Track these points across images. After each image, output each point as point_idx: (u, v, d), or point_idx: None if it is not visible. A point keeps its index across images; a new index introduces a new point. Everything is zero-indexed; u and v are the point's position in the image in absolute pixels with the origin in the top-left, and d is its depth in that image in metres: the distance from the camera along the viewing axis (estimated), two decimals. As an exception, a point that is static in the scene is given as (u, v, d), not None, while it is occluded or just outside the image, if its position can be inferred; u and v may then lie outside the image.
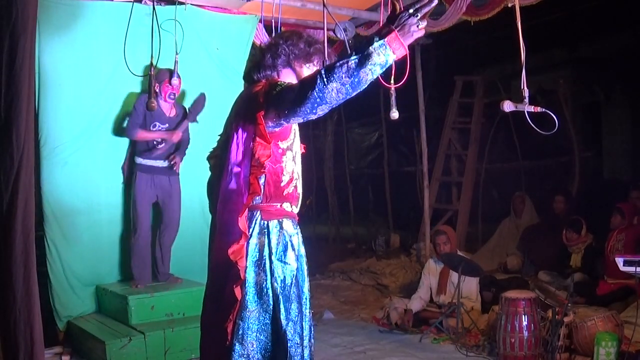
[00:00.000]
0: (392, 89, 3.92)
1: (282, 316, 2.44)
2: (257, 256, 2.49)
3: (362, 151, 12.28)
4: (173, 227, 5.07)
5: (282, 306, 2.45)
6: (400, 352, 4.65)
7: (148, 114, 4.89)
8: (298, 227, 2.67)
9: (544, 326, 4.28)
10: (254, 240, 2.50)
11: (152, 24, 4.44)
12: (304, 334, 2.52)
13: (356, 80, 2.16)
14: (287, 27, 5.72)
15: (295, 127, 2.63)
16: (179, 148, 5.10)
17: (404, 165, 10.39)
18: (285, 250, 2.54)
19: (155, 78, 4.62)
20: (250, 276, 2.47)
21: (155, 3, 4.61)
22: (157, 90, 4.79)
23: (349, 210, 10.78)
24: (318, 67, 2.67)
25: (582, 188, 7.71)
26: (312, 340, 2.62)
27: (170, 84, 4.81)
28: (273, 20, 3.90)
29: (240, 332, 2.44)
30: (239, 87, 5.70)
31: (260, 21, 5.40)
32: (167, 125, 4.97)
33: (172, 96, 4.88)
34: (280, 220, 2.57)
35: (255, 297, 2.46)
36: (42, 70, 4.65)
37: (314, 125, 11.34)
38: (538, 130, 3.30)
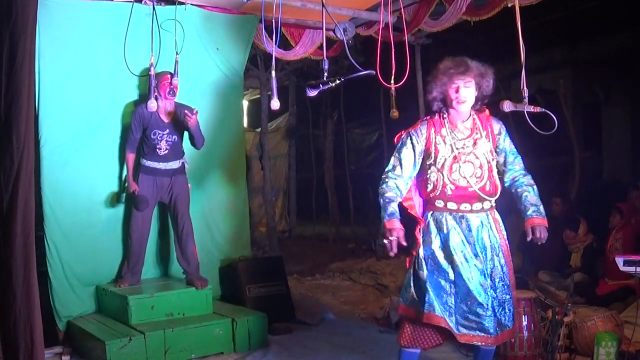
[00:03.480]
0: (392, 89, 3.92)
1: None
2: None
3: (362, 151, 12.28)
4: (178, 225, 5.05)
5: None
6: (400, 352, 4.64)
7: (147, 124, 4.90)
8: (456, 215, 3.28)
9: (544, 326, 4.28)
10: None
11: (152, 24, 4.44)
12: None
13: None
14: (287, 27, 5.73)
15: (439, 147, 3.27)
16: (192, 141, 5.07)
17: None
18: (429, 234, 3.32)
19: (155, 79, 4.61)
20: None
21: (155, 3, 4.60)
22: (157, 93, 4.77)
23: (349, 210, 10.78)
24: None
25: (582, 188, 7.71)
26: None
27: (171, 83, 4.80)
28: (273, 20, 3.89)
29: None
30: (239, 87, 5.73)
31: (260, 21, 5.39)
32: (167, 130, 4.97)
33: (172, 93, 4.87)
34: (432, 212, 3.34)
35: None
36: (42, 70, 4.64)
37: (314, 125, 11.35)
38: (538, 130, 3.30)
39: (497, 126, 3.33)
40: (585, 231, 6.00)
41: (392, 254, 3.20)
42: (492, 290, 3.24)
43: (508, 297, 3.28)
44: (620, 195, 6.04)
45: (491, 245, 3.27)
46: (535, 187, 3.26)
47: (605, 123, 8.51)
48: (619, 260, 3.63)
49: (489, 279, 3.25)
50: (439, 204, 3.30)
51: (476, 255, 3.24)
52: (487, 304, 3.21)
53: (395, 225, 3.24)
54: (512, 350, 4.18)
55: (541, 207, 3.21)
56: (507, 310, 3.27)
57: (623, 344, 4.07)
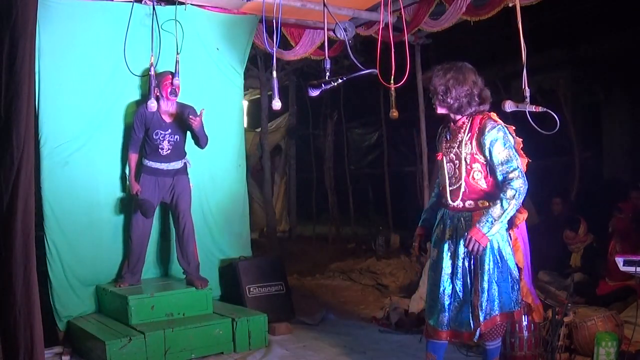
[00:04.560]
0: (392, 89, 3.92)
1: None
2: None
3: (362, 151, 12.28)
4: (180, 225, 5.04)
5: None
6: (400, 352, 4.65)
7: (149, 124, 4.90)
8: (446, 211, 3.44)
9: (544, 326, 4.28)
10: None
11: (152, 24, 4.44)
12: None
13: None
14: (287, 27, 5.73)
15: (438, 147, 3.51)
16: (197, 142, 5.09)
17: (404, 165, 10.38)
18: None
19: (155, 79, 4.61)
20: None
21: (155, 3, 4.61)
22: (158, 93, 4.78)
23: (349, 210, 10.78)
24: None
25: (582, 188, 7.71)
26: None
27: (172, 83, 4.80)
28: (274, 20, 3.90)
29: None
30: (239, 87, 5.73)
31: (260, 21, 5.40)
32: (169, 130, 4.96)
33: (173, 93, 4.87)
34: (440, 208, 3.50)
35: None
36: (42, 70, 4.65)
37: (314, 125, 11.36)
38: (539, 129, 3.30)
39: (485, 129, 3.23)
40: (585, 231, 6.00)
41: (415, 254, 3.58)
42: (450, 288, 3.33)
43: (469, 299, 3.27)
44: (620, 195, 6.04)
45: (465, 246, 3.26)
46: (508, 200, 3.15)
47: (605, 123, 8.50)
48: (619, 260, 3.63)
49: (452, 277, 3.34)
50: (441, 198, 3.50)
51: (451, 251, 3.35)
52: (443, 299, 3.32)
53: (417, 232, 3.66)
54: (512, 350, 4.18)
55: (494, 225, 3.15)
56: (464, 311, 3.29)
57: (623, 344, 4.07)
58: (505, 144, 3.21)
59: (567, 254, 6.12)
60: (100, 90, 4.99)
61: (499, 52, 8.06)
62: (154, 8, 4.51)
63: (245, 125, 8.80)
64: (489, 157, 3.24)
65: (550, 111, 3.27)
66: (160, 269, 5.45)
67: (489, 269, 3.25)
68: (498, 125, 3.24)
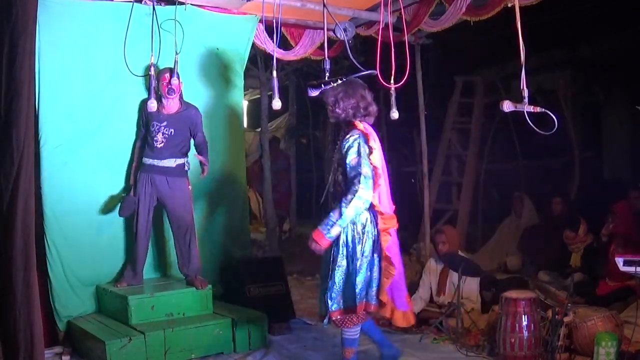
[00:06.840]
0: (392, 89, 3.92)
1: None
2: None
3: (362, 151, 12.24)
4: (179, 229, 5.00)
5: None
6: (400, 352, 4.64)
7: (149, 117, 4.91)
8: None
9: (544, 326, 4.28)
10: None
11: (152, 24, 4.44)
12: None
13: None
14: (287, 27, 5.73)
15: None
16: (200, 152, 5.11)
17: (404, 166, 10.38)
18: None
19: (155, 76, 4.61)
20: None
21: (155, 3, 4.60)
22: (159, 91, 4.77)
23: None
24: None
25: (582, 188, 7.71)
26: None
27: (170, 82, 4.80)
28: (274, 20, 3.90)
29: None
30: (239, 87, 5.73)
31: (260, 21, 5.40)
32: (164, 123, 4.94)
33: (171, 92, 4.86)
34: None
35: None
36: (42, 70, 4.64)
37: (314, 125, 11.35)
38: (538, 130, 3.31)
39: (345, 136, 3.62)
40: (585, 231, 6.00)
41: None
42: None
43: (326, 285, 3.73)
44: (620, 195, 6.04)
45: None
46: (346, 204, 3.51)
47: (605, 123, 8.51)
48: (619, 260, 3.64)
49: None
50: None
51: None
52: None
53: None
54: (512, 350, 4.19)
55: (334, 227, 3.57)
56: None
57: (623, 344, 4.07)
58: (357, 151, 3.53)
59: (567, 254, 6.12)
60: (100, 90, 4.99)
61: (499, 52, 8.05)
62: (154, 8, 4.50)
63: (245, 125, 8.81)
64: (344, 162, 3.57)
65: (548, 111, 3.28)
66: (160, 269, 5.45)
67: (333, 266, 3.65)
68: (356, 134, 3.56)
